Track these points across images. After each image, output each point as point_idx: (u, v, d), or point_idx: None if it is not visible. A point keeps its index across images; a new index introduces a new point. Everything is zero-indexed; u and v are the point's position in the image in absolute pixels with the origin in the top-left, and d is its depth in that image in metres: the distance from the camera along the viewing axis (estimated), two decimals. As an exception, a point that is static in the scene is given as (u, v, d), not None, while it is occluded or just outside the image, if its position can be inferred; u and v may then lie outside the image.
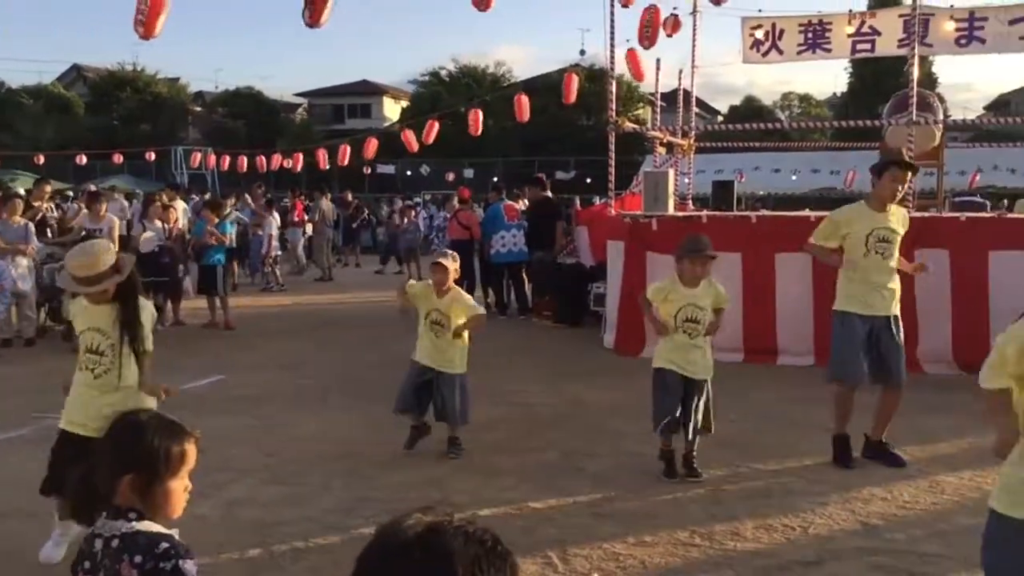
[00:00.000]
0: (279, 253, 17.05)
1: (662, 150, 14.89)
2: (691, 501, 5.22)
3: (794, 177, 29.20)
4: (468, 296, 6.36)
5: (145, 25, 7.34)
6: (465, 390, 6.19)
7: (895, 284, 5.85)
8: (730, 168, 25.93)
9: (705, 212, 10.80)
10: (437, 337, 6.09)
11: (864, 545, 4.55)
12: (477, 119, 13.58)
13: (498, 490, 5.36)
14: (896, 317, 5.82)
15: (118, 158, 28.02)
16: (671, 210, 10.51)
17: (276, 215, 17.07)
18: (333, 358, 9.77)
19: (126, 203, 18.31)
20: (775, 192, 29.82)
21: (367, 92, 55.64)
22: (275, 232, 16.71)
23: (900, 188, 5.80)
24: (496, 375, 8.87)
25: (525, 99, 13.44)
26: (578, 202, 17.36)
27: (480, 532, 1.31)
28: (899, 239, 5.84)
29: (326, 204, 18.88)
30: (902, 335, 5.85)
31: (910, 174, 5.92)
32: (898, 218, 5.87)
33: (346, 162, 18.08)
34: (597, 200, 19.41)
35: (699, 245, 5.56)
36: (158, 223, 11.58)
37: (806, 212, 11.00)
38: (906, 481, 5.56)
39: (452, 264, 6.16)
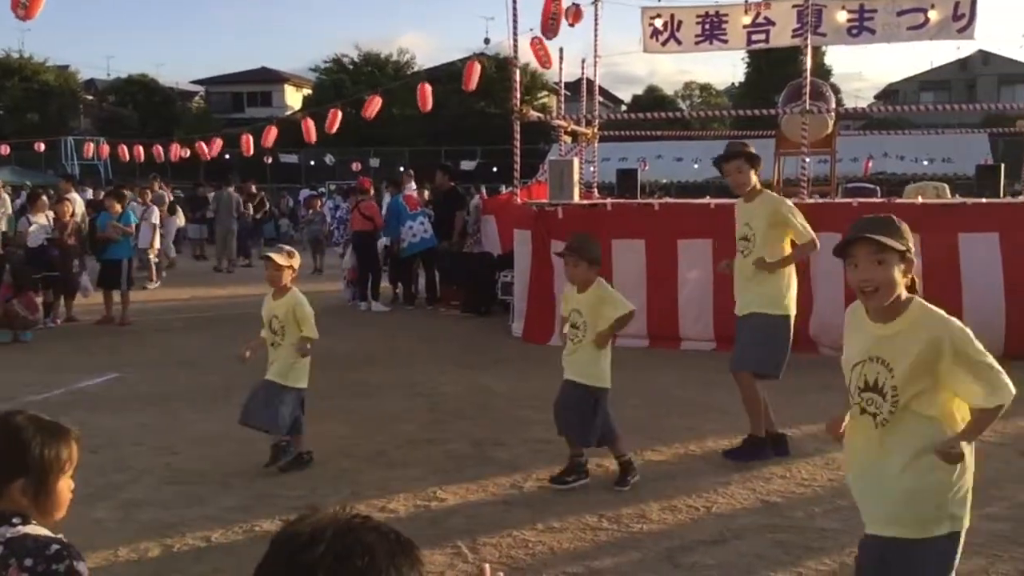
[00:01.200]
0: (159, 247, 16.32)
1: (567, 139, 14.99)
2: (599, 486, 5.27)
3: (696, 165, 29.85)
4: (308, 308, 5.58)
5: (27, 7, 6.98)
6: (289, 403, 5.52)
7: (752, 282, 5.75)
8: (634, 157, 26.35)
9: (609, 200, 10.91)
10: (273, 347, 5.61)
11: (765, 523, 4.67)
12: (372, 105, 13.38)
13: (406, 482, 5.31)
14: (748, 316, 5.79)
15: (4, 149, 26.75)
16: (576, 198, 10.60)
17: (155, 207, 16.38)
18: (236, 354, 9.50)
19: (6, 196, 17.52)
20: (678, 180, 30.48)
21: (267, 80, 54.53)
22: (157, 223, 16.05)
23: (747, 179, 5.66)
24: (404, 366, 8.82)
25: (428, 88, 13.33)
26: (484, 191, 17.35)
27: (384, 526, 1.29)
28: (763, 236, 5.66)
29: (230, 194, 18.40)
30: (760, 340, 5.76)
31: (753, 162, 5.72)
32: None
33: (251, 152, 17.64)
34: (503, 189, 19.44)
35: (567, 244, 5.35)
36: (43, 216, 11.08)
37: (707, 200, 11.23)
38: (804, 459, 5.73)
39: (287, 260, 5.51)
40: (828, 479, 5.36)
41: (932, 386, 2.68)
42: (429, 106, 13.40)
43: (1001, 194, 11.82)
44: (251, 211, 20.13)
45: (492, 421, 6.72)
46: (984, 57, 47.99)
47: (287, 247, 5.85)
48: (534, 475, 5.44)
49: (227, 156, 20.64)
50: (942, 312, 2.72)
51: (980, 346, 2.66)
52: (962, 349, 2.63)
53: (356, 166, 33.43)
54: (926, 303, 2.74)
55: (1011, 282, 8.71)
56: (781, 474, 5.45)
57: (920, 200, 10.50)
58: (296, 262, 5.65)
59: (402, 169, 22.39)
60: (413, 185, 15.22)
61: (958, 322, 2.69)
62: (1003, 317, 8.64)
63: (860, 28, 11.54)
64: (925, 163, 28.65)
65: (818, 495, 5.09)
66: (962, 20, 11.16)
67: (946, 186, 13.59)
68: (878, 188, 17.86)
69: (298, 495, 5.07)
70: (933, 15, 11.23)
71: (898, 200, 11.07)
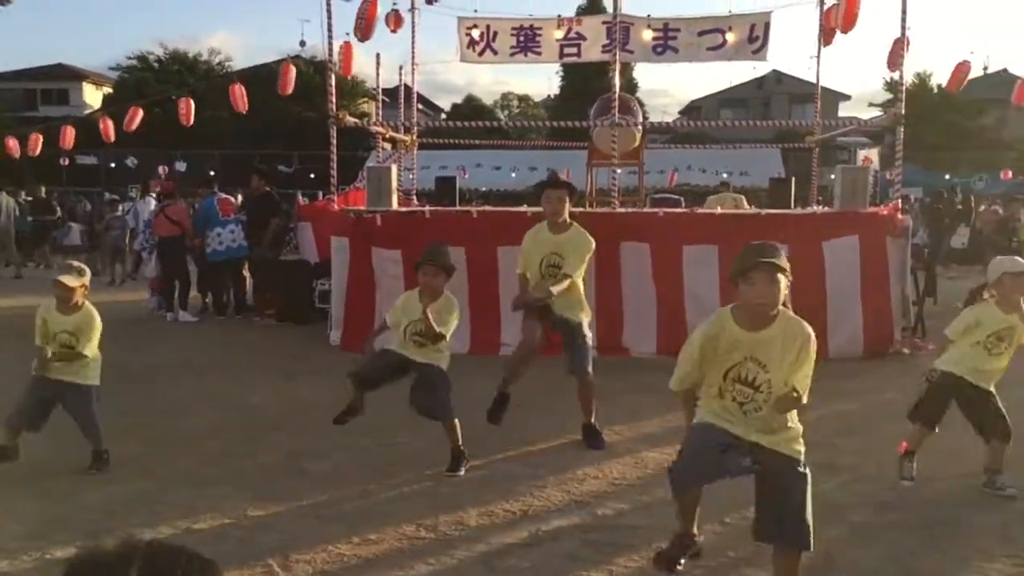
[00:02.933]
0: None
1: (386, 145, 14.89)
2: (416, 495, 5.24)
3: (513, 174, 30.40)
4: (98, 325, 5.47)
5: None
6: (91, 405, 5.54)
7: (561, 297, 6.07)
8: (453, 165, 26.50)
9: (428, 207, 10.91)
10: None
11: (578, 523, 4.79)
12: (189, 108, 12.81)
13: (214, 500, 5.07)
14: (563, 320, 6.18)
15: None
16: (395, 205, 10.53)
17: None
18: (25, 369, 8.80)
19: None
20: (496, 188, 30.86)
21: (63, 76, 51.01)
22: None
23: (561, 207, 6.01)
24: (214, 379, 8.45)
25: (241, 89, 12.86)
26: (301, 197, 16.93)
27: (183, 548, 1.22)
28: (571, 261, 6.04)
29: (7, 198, 17.54)
30: (581, 345, 6.17)
31: (568, 193, 6.11)
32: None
33: (37, 152, 16.39)
34: (321, 195, 19.05)
35: (426, 255, 5.50)
36: None
37: (524, 208, 11.43)
38: (616, 459, 5.94)
39: (77, 280, 5.35)
40: (637, 477, 5.57)
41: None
42: (244, 107, 12.92)
43: (792, 205, 12.73)
44: (44, 215, 19.00)
45: (308, 433, 6.53)
46: (777, 77, 51.52)
47: (77, 264, 5.65)
48: (351, 487, 5.34)
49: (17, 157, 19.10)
50: (802, 320, 3.36)
51: None
52: (812, 351, 3.34)
53: (162, 169, 31.81)
54: (789, 313, 3.38)
55: (798, 282, 9.38)
56: (594, 475, 5.61)
57: (719, 210, 11.14)
58: (87, 279, 5.48)
59: (212, 173, 21.48)
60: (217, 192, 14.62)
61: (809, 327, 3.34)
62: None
63: (664, 47, 12.13)
64: (725, 175, 30.36)
65: (627, 493, 5.27)
66: (757, 42, 11.95)
67: (743, 197, 14.47)
68: (682, 199, 18.78)
69: (93, 519, 4.74)
70: (731, 37, 11.96)
71: (699, 210, 11.67)
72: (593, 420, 6.30)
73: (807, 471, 3.40)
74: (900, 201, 10.28)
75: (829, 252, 9.50)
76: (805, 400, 3.32)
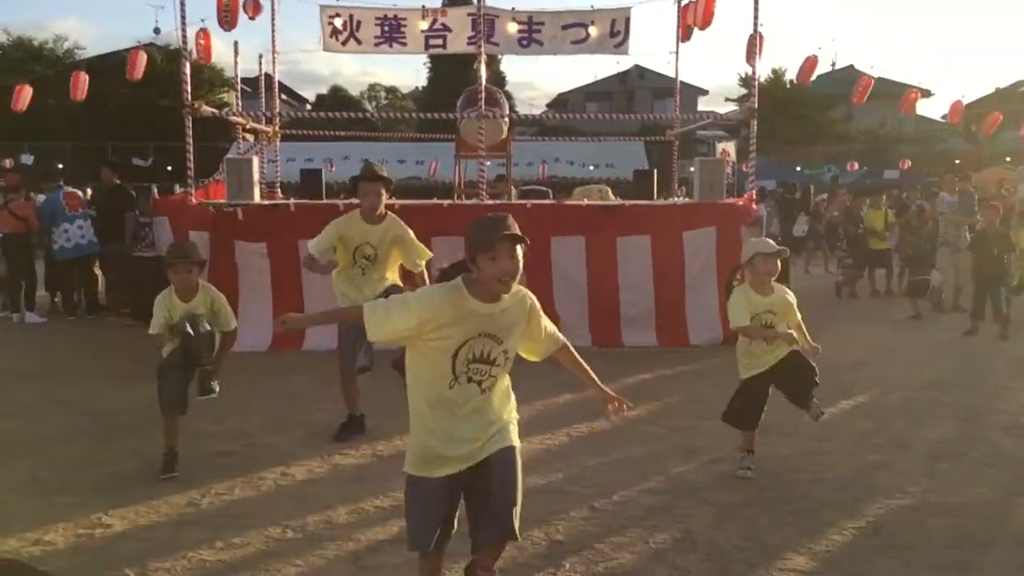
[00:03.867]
0: None
1: (248, 137, 14.43)
2: (283, 495, 5.12)
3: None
4: None
5: None
6: None
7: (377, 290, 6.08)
8: (320, 157, 26.02)
9: (293, 200, 10.65)
10: None
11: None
12: (22, 95, 12.02)
13: (66, 509, 4.81)
14: None
15: None
16: (257, 198, 10.24)
17: None
18: None
19: None
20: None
21: None
22: None
23: (378, 200, 6.05)
24: (65, 383, 8.03)
25: (84, 77, 12.17)
26: (156, 190, 16.26)
27: (25, 565, 1.14)
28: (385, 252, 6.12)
29: None
30: None
31: (383, 184, 6.12)
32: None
33: None
34: (179, 188, 18.34)
35: (176, 252, 5.47)
36: None
37: (392, 200, 11.32)
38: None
39: None
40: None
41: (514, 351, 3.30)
42: (83, 95, 12.23)
43: (655, 196, 13.06)
44: None
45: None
46: (640, 72, 52.81)
47: None
48: (212, 490, 5.17)
49: None
50: (523, 288, 3.31)
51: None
52: (538, 312, 3.35)
53: (8, 162, 29.94)
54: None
55: (659, 272, 9.68)
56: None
57: (586, 201, 11.34)
58: None
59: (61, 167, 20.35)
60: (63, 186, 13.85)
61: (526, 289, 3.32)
62: (653, 308, 9.57)
63: (529, 40, 12.22)
64: (591, 168, 31.00)
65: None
66: (618, 36, 12.20)
67: (608, 189, 14.76)
68: (550, 190, 19.06)
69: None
70: (593, 31, 12.16)
71: (567, 201, 11.85)
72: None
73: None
74: (755, 192, 10.71)
75: (689, 242, 9.82)
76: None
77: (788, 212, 20.54)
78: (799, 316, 5.39)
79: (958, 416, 6.85)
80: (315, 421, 6.62)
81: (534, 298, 3.35)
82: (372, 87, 58.90)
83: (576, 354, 3.59)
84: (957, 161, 33.14)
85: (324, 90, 53.47)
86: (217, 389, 5.48)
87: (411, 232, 6.25)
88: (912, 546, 4.38)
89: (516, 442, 3.36)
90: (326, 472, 5.51)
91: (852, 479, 5.39)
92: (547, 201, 13.43)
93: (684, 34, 12.68)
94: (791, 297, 5.37)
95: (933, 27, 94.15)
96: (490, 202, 10.56)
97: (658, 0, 12.62)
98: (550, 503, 4.86)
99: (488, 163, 11.63)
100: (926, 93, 42.08)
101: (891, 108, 35.42)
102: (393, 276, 6.29)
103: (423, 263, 6.29)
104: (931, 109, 53.82)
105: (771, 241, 5.47)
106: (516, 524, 3.22)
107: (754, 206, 10.34)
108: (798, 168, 36.20)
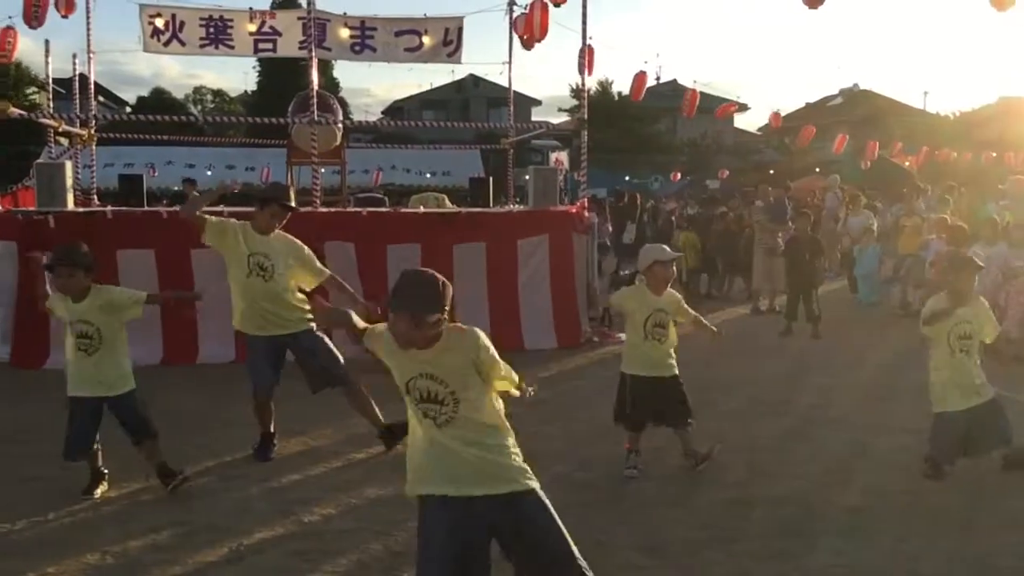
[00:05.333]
0: None
1: (62, 140, 13.58)
2: (103, 520, 4.82)
3: (209, 173, 29.00)
4: None
5: None
6: None
7: (283, 304, 5.91)
8: (141, 162, 24.82)
9: (110, 207, 10.07)
10: None
11: (285, 533, 4.64)
12: None
13: None
14: (299, 333, 5.93)
15: None
16: (71, 205, 9.63)
17: None
18: None
19: None
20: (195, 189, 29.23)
21: None
22: None
23: (277, 224, 5.92)
24: None
25: None
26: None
27: None
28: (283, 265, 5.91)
29: None
30: (320, 345, 5.99)
31: (289, 213, 6.00)
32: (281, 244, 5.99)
33: None
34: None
35: (56, 257, 5.14)
36: None
37: (220, 207, 10.91)
38: (323, 463, 5.83)
39: None
40: (344, 479, 5.50)
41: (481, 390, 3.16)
42: None
43: (491, 204, 13.21)
44: None
45: (-31, 463, 5.80)
46: (475, 80, 53.35)
47: None
48: (25, 517, 4.80)
49: None
50: (467, 329, 3.17)
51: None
52: (487, 353, 3.15)
53: None
54: (453, 325, 3.15)
55: (494, 278, 9.77)
56: (299, 481, 5.48)
57: (422, 209, 11.32)
58: None
59: None
60: None
61: (478, 333, 3.17)
62: (487, 316, 9.62)
63: (362, 46, 12.09)
64: (428, 176, 30.96)
65: (335, 497, 5.18)
66: (451, 45, 12.26)
67: (445, 196, 14.80)
68: (386, 198, 18.88)
69: None
70: (427, 39, 12.17)
71: (403, 209, 11.79)
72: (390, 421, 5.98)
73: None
74: (586, 200, 11.00)
75: (523, 249, 9.98)
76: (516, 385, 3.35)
77: (617, 220, 21.23)
78: (692, 312, 5.69)
79: (776, 412, 7.25)
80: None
81: (483, 340, 3.17)
82: (198, 90, 56.82)
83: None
84: (772, 171, 35.27)
85: (145, 92, 50.97)
86: None
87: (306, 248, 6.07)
88: (736, 538, 4.60)
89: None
90: (151, 493, 5.23)
91: (678, 475, 5.61)
92: (383, 209, 13.30)
93: (527, 44, 12.85)
94: (679, 295, 5.68)
95: (748, 44, 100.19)
96: (324, 210, 10.36)
97: (491, 11, 12.81)
98: (389, 513, 4.80)
99: (322, 170, 11.42)
100: (742, 107, 44.58)
101: (711, 121, 37.45)
102: (294, 286, 6.01)
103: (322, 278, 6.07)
104: (747, 122, 57.06)
105: (667, 248, 5.77)
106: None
107: (586, 214, 10.62)
108: (627, 177, 37.56)
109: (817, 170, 31.59)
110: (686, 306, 5.71)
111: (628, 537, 4.59)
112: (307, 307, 5.90)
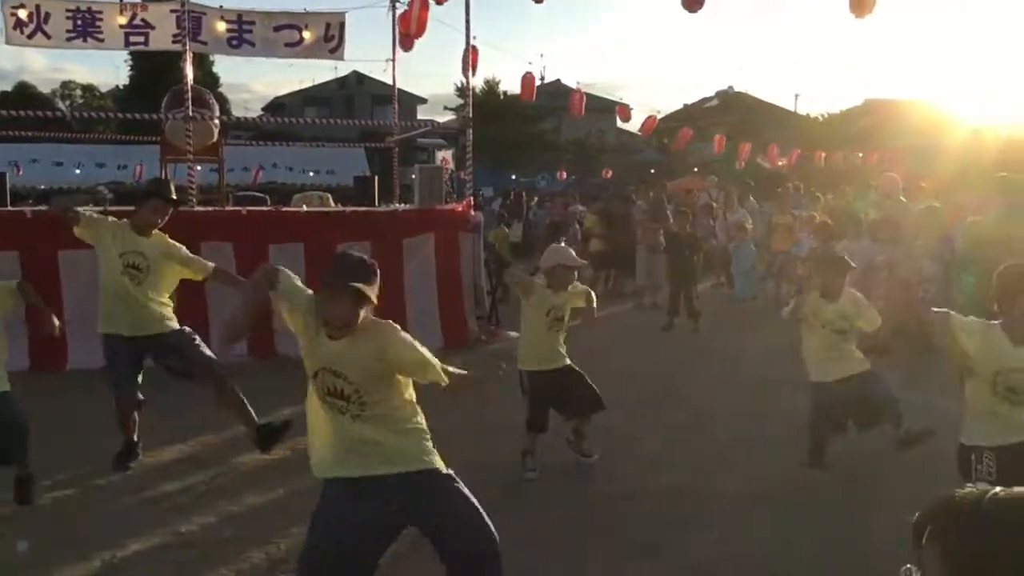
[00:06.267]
0: None
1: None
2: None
3: (78, 171, 27.78)
4: None
5: None
6: None
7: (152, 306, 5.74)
8: (4, 160, 23.49)
9: (-31, 208, 9.51)
10: None
11: (161, 543, 4.49)
12: None
13: None
14: (163, 335, 5.73)
15: None
16: (-78, 206, 9.05)
17: None
18: None
19: None
20: (59, 186, 27.89)
21: None
22: None
23: (160, 221, 5.73)
24: None
25: None
26: None
27: None
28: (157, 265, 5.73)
29: None
30: (185, 340, 5.78)
31: (171, 208, 5.84)
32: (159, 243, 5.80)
33: None
34: None
35: None
36: None
37: (87, 209, 10.44)
38: (202, 470, 5.65)
39: None
40: (223, 486, 5.36)
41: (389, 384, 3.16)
42: None
43: (376, 203, 13.06)
44: None
45: None
46: (359, 77, 52.66)
47: None
48: None
49: None
50: (381, 324, 3.14)
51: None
52: (397, 347, 3.14)
53: None
54: (373, 319, 3.14)
55: (380, 278, 9.66)
56: (178, 489, 5.30)
57: (305, 208, 11.11)
58: None
59: None
60: None
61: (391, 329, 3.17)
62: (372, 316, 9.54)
63: (240, 40, 11.74)
64: (311, 174, 30.40)
65: (214, 505, 5.03)
66: (333, 41, 12.04)
67: (329, 195, 14.57)
68: (268, 197, 18.45)
69: None
70: (307, 35, 11.91)
71: (285, 208, 11.54)
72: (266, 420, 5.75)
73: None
74: (472, 199, 11.02)
75: (409, 248, 9.90)
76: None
77: (503, 218, 21.38)
78: (582, 301, 5.72)
79: (662, 405, 7.44)
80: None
81: (395, 336, 3.15)
82: (66, 84, 54.04)
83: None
84: (652, 171, 36.13)
85: (8, 87, 48.24)
86: None
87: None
88: (623, 529, 4.69)
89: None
90: (15, 508, 4.96)
91: (568, 470, 5.69)
92: (265, 208, 12.99)
93: (405, 43, 12.76)
94: (579, 287, 5.75)
95: (629, 45, 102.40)
96: (202, 209, 10.05)
97: (374, 7, 12.66)
98: (270, 521, 4.70)
99: (198, 168, 11.07)
100: (628, 108, 45.46)
101: (596, 120, 38.08)
102: (168, 286, 5.83)
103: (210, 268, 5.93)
104: (630, 123, 58.32)
105: (572, 253, 5.83)
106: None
107: (472, 212, 10.64)
108: (513, 176, 37.79)
109: (696, 170, 32.51)
110: (579, 295, 5.74)
111: (517, 533, 4.61)
112: (171, 310, 5.81)
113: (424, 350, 3.25)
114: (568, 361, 5.75)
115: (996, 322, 3.79)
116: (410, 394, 3.28)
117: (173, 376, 5.82)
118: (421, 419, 3.29)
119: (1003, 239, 7.63)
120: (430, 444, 3.27)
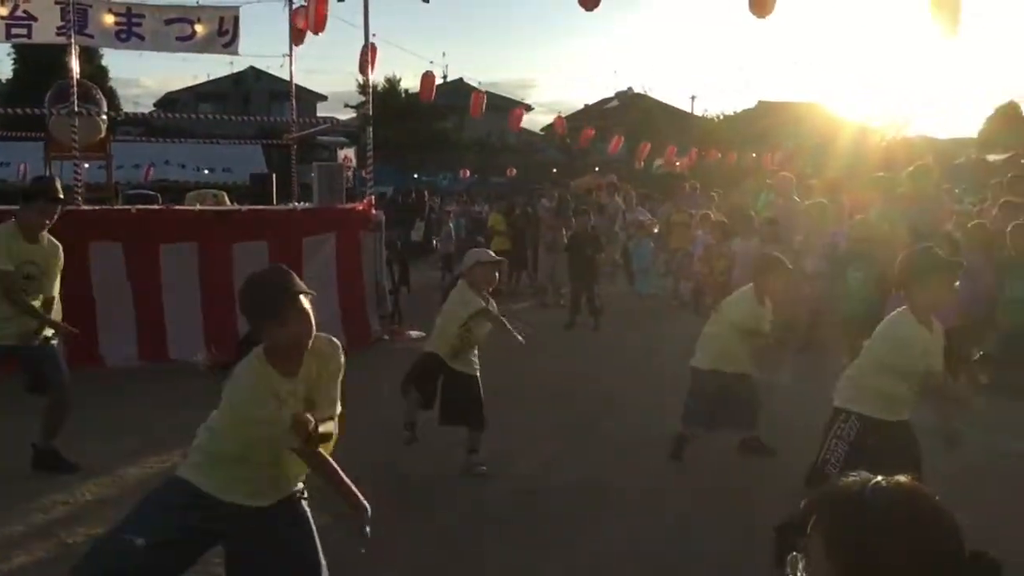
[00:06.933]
0: None
1: None
2: None
3: (-44, 169, 26.43)
4: None
5: None
6: None
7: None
8: None
9: None
10: None
11: (46, 556, 4.31)
12: None
13: None
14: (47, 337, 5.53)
15: None
16: None
17: None
18: None
19: None
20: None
21: None
22: None
23: (48, 222, 5.49)
24: None
25: None
26: None
27: None
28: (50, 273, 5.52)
29: None
30: (46, 354, 5.57)
31: (59, 208, 5.58)
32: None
33: None
34: None
35: None
36: None
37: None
38: (92, 480, 5.44)
39: None
40: (115, 496, 5.16)
41: None
42: None
43: (274, 201, 12.80)
44: None
45: None
46: (256, 73, 51.46)
47: None
48: None
49: None
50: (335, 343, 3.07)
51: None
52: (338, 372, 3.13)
53: None
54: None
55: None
56: (64, 500, 5.09)
57: (199, 207, 10.82)
58: None
59: None
60: None
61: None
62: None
63: (129, 33, 11.32)
64: (206, 172, 29.65)
65: (100, 514, 4.79)
66: (227, 36, 11.73)
67: (224, 194, 14.22)
68: (159, 195, 17.92)
69: None
70: (200, 28, 11.58)
71: (177, 207, 11.22)
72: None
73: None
74: (373, 197, 10.91)
75: (308, 248, 9.74)
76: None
77: (405, 217, 21.27)
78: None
79: (563, 402, 7.50)
80: None
81: (339, 357, 3.08)
82: (-58, 77, 51.20)
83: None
84: (555, 170, 36.47)
85: None
86: None
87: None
88: (523, 527, 4.71)
89: None
90: None
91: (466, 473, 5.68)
92: (156, 206, 12.58)
93: (297, 37, 12.55)
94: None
95: (530, 45, 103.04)
96: (88, 208, 9.66)
97: (270, 1, 12.39)
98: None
99: (85, 165, 10.65)
100: (527, 108, 45.75)
101: (498, 120, 38.12)
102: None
103: None
104: (531, 122, 58.67)
105: (491, 252, 5.86)
106: None
107: (373, 211, 10.53)
108: (416, 175, 37.59)
109: (596, 169, 32.95)
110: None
111: (414, 534, 4.59)
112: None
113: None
114: (475, 373, 5.68)
115: (912, 317, 3.94)
116: None
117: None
118: None
119: (886, 237, 7.96)
120: None
